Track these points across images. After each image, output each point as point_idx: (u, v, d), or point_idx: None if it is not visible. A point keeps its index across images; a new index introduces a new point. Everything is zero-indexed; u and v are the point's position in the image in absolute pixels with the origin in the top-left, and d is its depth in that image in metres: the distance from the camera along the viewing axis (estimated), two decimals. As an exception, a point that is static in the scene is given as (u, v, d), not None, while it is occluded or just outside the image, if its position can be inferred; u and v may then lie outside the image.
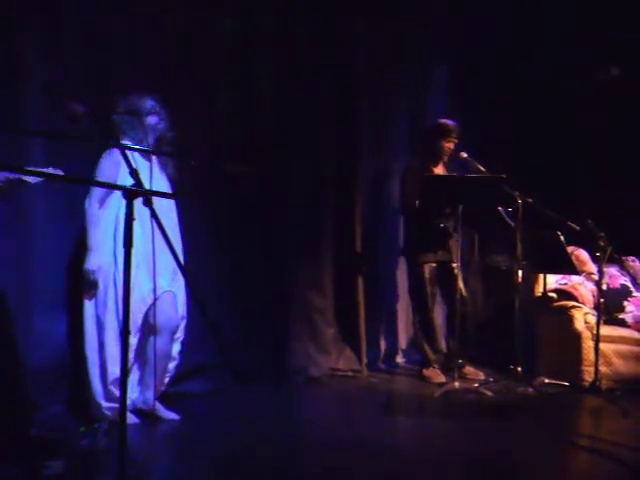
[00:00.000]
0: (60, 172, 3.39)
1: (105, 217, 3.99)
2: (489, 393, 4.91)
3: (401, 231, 5.94)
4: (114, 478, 2.50)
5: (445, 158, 5.42)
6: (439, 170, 5.43)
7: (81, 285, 4.01)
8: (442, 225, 5.15)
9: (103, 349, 3.97)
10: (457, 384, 4.95)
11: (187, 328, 4.27)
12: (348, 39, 5.65)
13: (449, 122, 5.35)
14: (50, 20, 4.23)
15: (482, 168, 5.26)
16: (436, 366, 5.49)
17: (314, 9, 5.47)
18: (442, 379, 5.35)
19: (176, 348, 4.26)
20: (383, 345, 6.05)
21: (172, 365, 4.27)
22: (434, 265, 5.37)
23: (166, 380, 4.26)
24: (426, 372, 5.49)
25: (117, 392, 3.93)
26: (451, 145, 5.37)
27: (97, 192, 3.97)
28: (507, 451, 3.79)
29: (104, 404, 3.99)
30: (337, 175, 5.67)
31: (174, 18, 4.73)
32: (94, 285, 3.98)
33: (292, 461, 3.57)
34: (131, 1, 4.52)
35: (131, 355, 4.01)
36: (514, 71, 6.13)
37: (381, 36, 5.82)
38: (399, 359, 6.17)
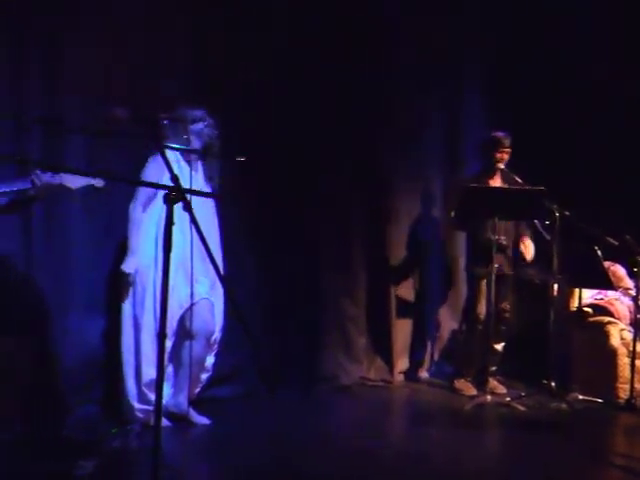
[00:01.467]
0: (101, 182, 3.43)
1: (147, 221, 4.04)
2: (521, 408, 4.86)
3: (438, 239, 5.91)
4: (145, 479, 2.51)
5: (500, 169, 5.35)
6: (495, 182, 5.37)
7: (120, 286, 4.06)
8: (496, 237, 5.07)
9: (139, 350, 4.02)
10: (489, 397, 4.91)
11: (223, 334, 4.29)
12: (381, 39, 5.64)
13: (500, 134, 5.32)
14: (96, 22, 4.29)
15: (519, 180, 5.22)
16: (469, 379, 5.44)
17: (347, 9, 5.47)
18: (473, 392, 5.31)
19: (210, 360, 4.29)
20: (414, 356, 6.01)
21: (205, 376, 4.30)
22: (488, 278, 5.23)
23: (197, 390, 4.28)
24: (458, 384, 5.45)
25: (150, 394, 3.97)
26: (504, 155, 5.32)
27: (141, 196, 4.04)
28: (538, 467, 3.74)
29: (137, 405, 4.02)
30: (371, 179, 5.65)
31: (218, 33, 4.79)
32: (129, 287, 4.03)
33: (320, 470, 3.56)
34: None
35: (165, 358, 4.03)
36: (552, 72, 6.04)
37: (415, 35, 5.78)
38: (429, 371, 6.11)
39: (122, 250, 4.09)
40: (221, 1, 4.92)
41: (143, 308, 4.02)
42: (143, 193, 4.03)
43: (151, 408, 4.00)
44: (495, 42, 6.02)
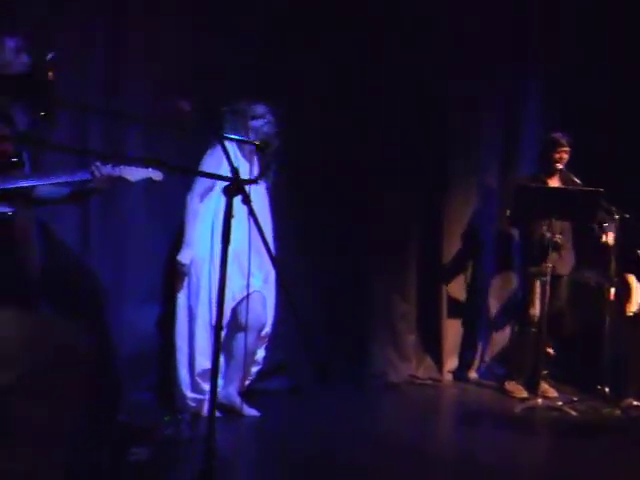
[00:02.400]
0: (160, 175, 3.48)
1: (204, 212, 4.09)
2: (573, 412, 4.78)
3: (492, 238, 5.86)
4: (198, 468, 2.55)
5: (559, 169, 5.27)
6: (553, 182, 5.29)
7: (175, 276, 4.12)
8: (548, 236, 5.00)
9: (193, 340, 4.07)
10: (540, 401, 4.84)
11: (273, 327, 4.32)
12: (440, 38, 5.60)
13: (559, 134, 5.23)
14: (159, 18, 4.36)
15: (577, 180, 5.13)
16: (520, 381, 5.37)
17: (407, 12, 5.45)
18: (524, 394, 5.24)
19: (261, 353, 4.33)
20: (464, 355, 5.96)
21: (255, 369, 4.34)
22: (543, 278, 5.16)
23: (247, 382, 4.32)
24: (508, 386, 5.39)
25: (203, 384, 4.02)
26: (563, 155, 5.23)
27: (198, 188, 4.09)
28: (588, 474, 3.68)
29: (189, 394, 4.08)
30: (425, 177, 5.62)
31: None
32: (185, 277, 4.08)
33: (366, 466, 3.56)
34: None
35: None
36: (615, 73, 5.92)
37: (476, 33, 5.72)
38: (479, 371, 6.06)
39: (178, 241, 4.15)
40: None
41: (198, 299, 4.07)
42: (200, 184, 4.08)
43: (203, 397, 4.06)
44: (559, 41, 5.91)
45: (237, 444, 3.84)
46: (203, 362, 4.04)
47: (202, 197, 4.11)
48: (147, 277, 4.40)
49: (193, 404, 4.07)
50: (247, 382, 4.34)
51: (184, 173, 4.06)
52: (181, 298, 4.13)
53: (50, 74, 1.82)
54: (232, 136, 3.88)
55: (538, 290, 5.21)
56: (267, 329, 4.30)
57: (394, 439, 4.06)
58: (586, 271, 5.58)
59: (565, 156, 5.23)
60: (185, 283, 4.13)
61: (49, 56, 2.09)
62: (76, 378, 1.79)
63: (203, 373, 4.03)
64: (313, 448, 3.76)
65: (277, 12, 4.87)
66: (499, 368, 5.76)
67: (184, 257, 4.07)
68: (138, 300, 4.37)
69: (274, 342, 4.47)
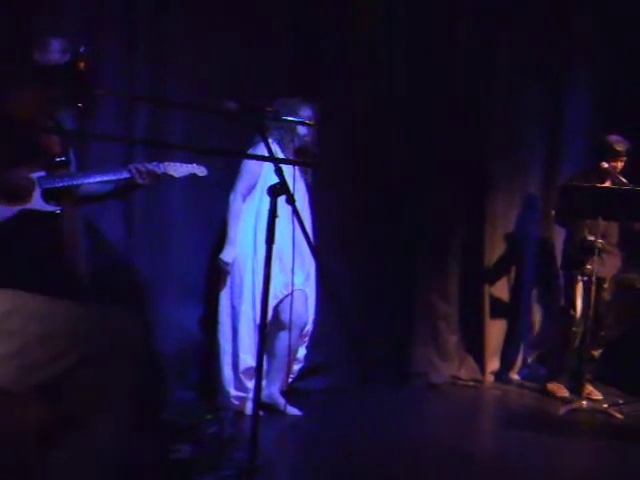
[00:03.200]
0: (204, 171, 3.49)
1: (247, 211, 4.11)
2: (619, 415, 4.70)
3: (536, 239, 5.79)
4: (241, 466, 2.56)
5: (611, 177, 5.13)
6: (603, 183, 5.18)
7: (218, 275, 4.14)
8: (590, 238, 4.92)
9: (236, 338, 4.09)
10: (584, 403, 4.77)
11: (314, 325, 4.32)
12: (483, 38, 5.55)
13: (616, 138, 5.07)
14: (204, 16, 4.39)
15: (624, 180, 5.03)
16: (561, 381, 5.30)
17: (453, 13, 5.42)
18: (566, 393, 5.17)
19: (302, 352, 4.33)
20: (507, 356, 5.90)
21: (297, 367, 4.35)
22: (585, 279, 5.10)
23: (289, 381, 4.33)
24: (550, 386, 5.32)
25: (247, 381, 4.05)
26: (618, 164, 5.07)
27: (241, 187, 4.11)
28: (634, 478, 3.62)
29: (233, 392, 4.10)
30: (469, 178, 5.58)
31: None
32: (227, 276, 4.11)
33: (408, 467, 3.55)
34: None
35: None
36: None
37: (522, 33, 5.65)
38: (521, 373, 5.99)
39: (221, 239, 4.17)
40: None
41: (241, 297, 4.10)
42: (243, 184, 4.10)
43: (246, 395, 4.08)
44: (607, 42, 5.81)
45: (279, 443, 3.84)
46: (247, 360, 4.07)
47: (245, 196, 4.13)
48: (189, 275, 4.43)
49: (236, 402, 4.09)
50: (289, 380, 4.35)
51: (231, 156, 4.04)
52: (224, 296, 4.16)
53: (82, 64, 1.84)
54: (273, 140, 3.87)
55: (580, 292, 5.14)
56: (308, 327, 4.31)
57: (435, 440, 4.03)
58: (632, 272, 5.49)
59: (620, 165, 5.09)
60: (228, 282, 4.15)
61: (81, 49, 2.11)
62: (128, 368, 1.80)
63: (246, 371, 4.06)
64: (355, 448, 3.75)
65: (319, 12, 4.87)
66: (541, 369, 5.69)
67: (227, 256, 4.10)
68: (180, 297, 4.40)
69: (315, 341, 4.47)
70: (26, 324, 1.71)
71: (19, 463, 1.53)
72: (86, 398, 1.70)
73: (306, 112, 4.15)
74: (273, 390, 4.17)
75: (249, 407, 4.07)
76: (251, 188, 4.11)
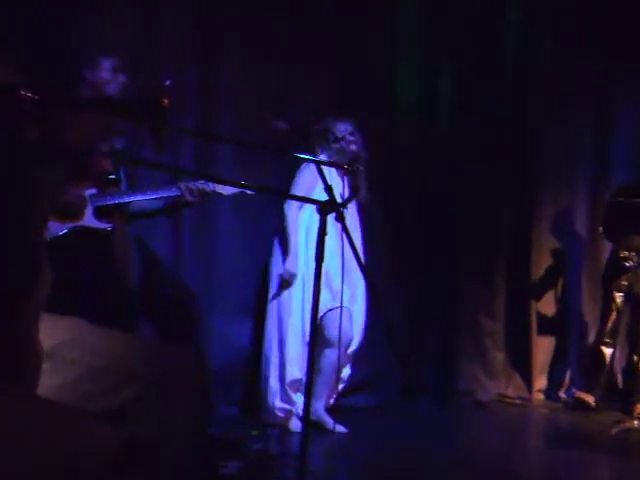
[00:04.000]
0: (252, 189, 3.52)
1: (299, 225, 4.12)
2: (672, 436, 4.60)
3: (583, 254, 5.72)
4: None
5: None
6: None
7: (266, 288, 4.14)
8: (624, 255, 4.85)
9: (283, 350, 4.09)
10: (636, 423, 4.67)
11: (360, 345, 4.32)
12: (533, 50, 5.51)
13: None
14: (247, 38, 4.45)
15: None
16: (591, 394, 5.20)
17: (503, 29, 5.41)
18: (591, 402, 5.07)
19: (346, 372, 4.32)
20: (555, 374, 5.81)
21: (340, 386, 4.34)
22: (621, 295, 5.04)
23: (333, 398, 4.32)
24: (579, 393, 5.22)
25: (292, 394, 4.06)
26: None
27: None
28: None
29: (278, 404, 4.10)
30: (516, 193, 5.53)
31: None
32: (291, 286, 4.10)
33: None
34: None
35: (305, 364, 4.08)
36: None
37: (569, 50, 5.60)
38: (568, 391, 5.89)
39: (272, 251, 4.18)
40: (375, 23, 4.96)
41: (290, 311, 4.10)
42: (298, 193, 4.06)
43: (291, 408, 4.08)
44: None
45: (326, 460, 3.82)
46: (294, 372, 4.07)
47: (299, 206, 4.12)
48: (236, 290, 4.46)
49: (281, 414, 4.09)
50: (333, 398, 4.34)
51: (272, 194, 4.09)
52: (272, 309, 4.17)
53: (165, 101, 1.87)
54: (320, 159, 3.89)
55: (615, 307, 5.07)
56: (353, 347, 4.30)
57: (482, 459, 3.98)
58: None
59: None
60: (277, 295, 4.15)
61: (167, 82, 2.15)
62: (186, 402, 1.81)
63: (292, 383, 4.07)
64: (401, 466, 3.72)
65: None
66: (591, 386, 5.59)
67: (292, 266, 4.09)
68: (228, 312, 4.44)
69: (360, 359, 4.46)
70: (86, 355, 1.74)
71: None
72: (150, 426, 1.71)
73: (343, 128, 4.15)
74: (318, 407, 4.16)
75: (294, 421, 4.07)
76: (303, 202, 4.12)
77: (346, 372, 4.36)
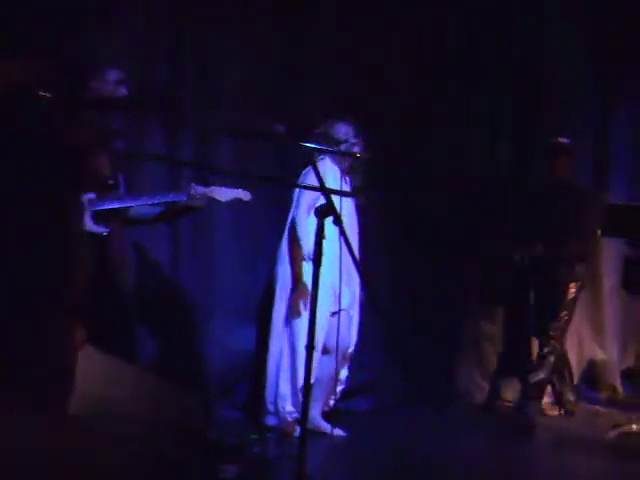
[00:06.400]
0: (248, 195, 3.53)
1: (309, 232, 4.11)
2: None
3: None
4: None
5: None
6: None
7: (271, 294, 4.12)
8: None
9: (295, 356, 4.07)
10: (634, 427, 4.67)
11: (356, 346, 4.31)
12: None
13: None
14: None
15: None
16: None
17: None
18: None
19: (344, 373, 4.31)
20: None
21: (339, 389, 4.33)
22: None
23: (331, 402, 4.31)
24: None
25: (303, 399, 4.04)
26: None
27: (304, 203, 4.07)
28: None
29: (288, 408, 4.10)
30: (516, 191, 5.54)
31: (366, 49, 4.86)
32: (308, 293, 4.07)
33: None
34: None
35: (316, 369, 4.06)
36: None
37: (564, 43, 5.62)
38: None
39: (270, 257, 4.17)
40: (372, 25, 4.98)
41: (300, 316, 4.07)
42: (305, 200, 4.06)
43: (298, 415, 4.05)
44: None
45: (324, 464, 3.82)
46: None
47: (309, 213, 4.08)
48: (235, 294, 4.46)
49: (290, 419, 4.09)
50: (332, 402, 4.33)
51: (278, 183, 4.08)
52: (279, 314, 4.15)
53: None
54: (324, 161, 3.87)
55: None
56: (351, 350, 4.30)
57: (480, 461, 3.98)
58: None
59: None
60: (284, 300, 4.13)
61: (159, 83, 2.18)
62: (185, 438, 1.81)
63: (303, 388, 4.04)
64: (399, 469, 3.72)
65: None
66: (590, 391, 5.59)
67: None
68: (227, 317, 4.43)
69: (358, 361, 4.46)
70: (93, 385, 1.73)
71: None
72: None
73: (343, 130, 4.14)
74: (315, 414, 4.14)
75: (297, 429, 4.06)
76: (311, 206, 4.09)
77: (344, 375, 4.34)
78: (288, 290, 4.13)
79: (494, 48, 5.44)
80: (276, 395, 4.13)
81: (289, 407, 4.10)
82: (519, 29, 5.53)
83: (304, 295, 4.03)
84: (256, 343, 4.33)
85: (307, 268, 4.08)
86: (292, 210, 4.14)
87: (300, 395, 4.05)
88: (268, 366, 4.16)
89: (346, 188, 4.20)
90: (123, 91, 3.35)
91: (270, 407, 4.15)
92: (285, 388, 4.11)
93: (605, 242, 5.47)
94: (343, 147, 4.13)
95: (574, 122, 5.65)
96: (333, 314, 4.03)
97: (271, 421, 4.12)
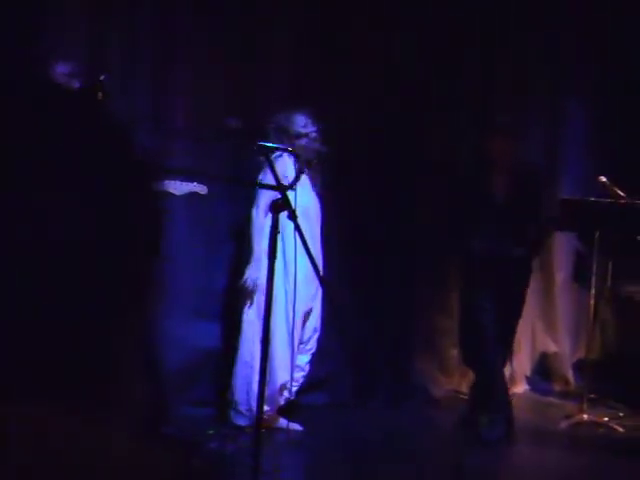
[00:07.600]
0: (204, 189, 3.51)
1: (268, 227, 4.07)
2: (620, 429, 4.70)
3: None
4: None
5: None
6: None
7: (240, 292, 4.11)
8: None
9: (272, 354, 4.03)
10: (586, 416, 4.77)
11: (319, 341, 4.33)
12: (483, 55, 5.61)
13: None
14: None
15: (621, 193, 5.05)
16: None
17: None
18: None
19: (305, 359, 4.31)
20: (508, 370, 5.88)
21: (300, 375, 4.32)
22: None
23: (294, 389, 4.30)
24: None
25: (280, 397, 4.06)
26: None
27: (262, 202, 4.00)
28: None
29: (266, 407, 4.07)
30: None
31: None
32: (255, 293, 4.06)
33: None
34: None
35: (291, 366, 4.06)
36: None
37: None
38: (522, 387, 5.98)
39: (233, 255, 4.15)
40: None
41: (273, 315, 4.01)
42: (264, 199, 3.97)
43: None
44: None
45: (280, 459, 3.83)
46: (284, 375, 4.04)
47: (266, 211, 4.03)
48: (194, 292, 4.42)
49: (265, 416, 4.07)
50: (294, 389, 4.28)
51: (232, 183, 4.07)
52: (250, 314, 4.10)
53: (99, 94, 1.85)
54: (282, 155, 3.84)
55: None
56: (314, 335, 4.29)
57: (434, 455, 4.02)
58: (630, 286, 5.52)
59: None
60: (255, 299, 4.09)
61: (102, 77, 2.12)
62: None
63: (283, 385, 4.06)
64: (355, 463, 3.74)
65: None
66: (543, 382, 5.69)
67: (256, 273, 4.01)
68: (185, 315, 4.39)
69: (317, 356, 4.47)
70: None
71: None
72: None
73: (300, 121, 4.10)
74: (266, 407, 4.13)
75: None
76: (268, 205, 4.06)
77: (304, 360, 4.32)
78: (260, 291, 4.08)
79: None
80: (249, 396, 4.03)
81: (266, 406, 4.06)
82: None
83: (249, 292, 4.06)
84: (222, 344, 4.28)
85: (280, 265, 4.05)
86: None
87: (277, 393, 4.03)
88: (237, 368, 4.12)
89: (308, 183, 4.18)
90: (75, 84, 3.29)
91: (241, 407, 4.09)
92: (271, 388, 4.03)
93: (557, 236, 5.55)
94: (304, 141, 4.08)
95: (525, 122, 5.73)
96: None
97: (240, 421, 4.07)
